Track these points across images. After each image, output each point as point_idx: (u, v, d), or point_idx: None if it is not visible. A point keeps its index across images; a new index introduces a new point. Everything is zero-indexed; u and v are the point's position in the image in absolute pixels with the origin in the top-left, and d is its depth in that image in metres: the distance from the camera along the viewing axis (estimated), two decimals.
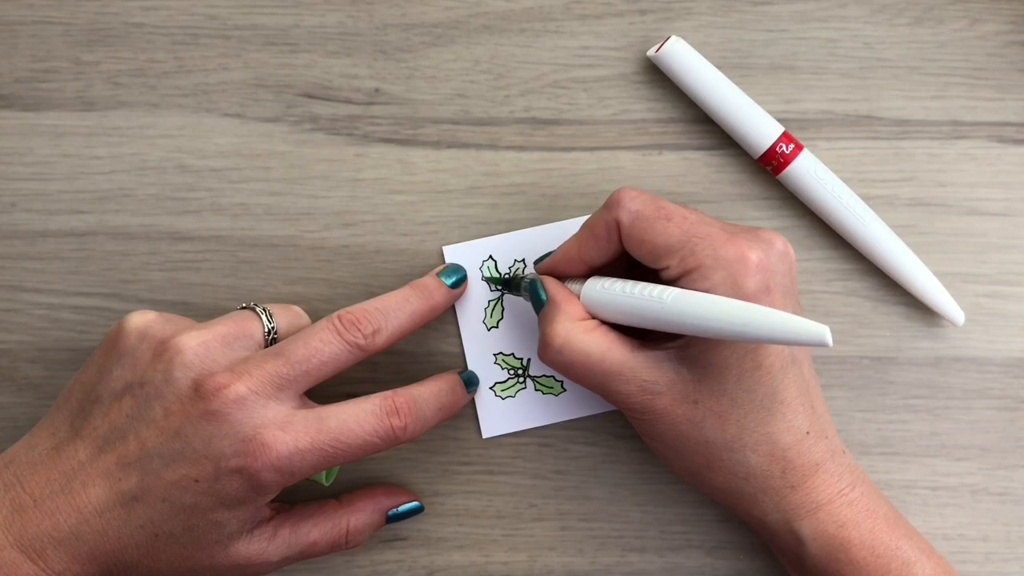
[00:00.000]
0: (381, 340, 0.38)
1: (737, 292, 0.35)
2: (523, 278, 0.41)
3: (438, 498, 0.43)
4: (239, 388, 0.35)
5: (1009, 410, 0.43)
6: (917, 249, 0.42)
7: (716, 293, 0.35)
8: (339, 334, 0.37)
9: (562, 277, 0.40)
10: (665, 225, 0.36)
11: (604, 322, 0.37)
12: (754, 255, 0.35)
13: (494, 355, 0.43)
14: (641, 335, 0.38)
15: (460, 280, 0.42)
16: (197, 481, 0.35)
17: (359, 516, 0.41)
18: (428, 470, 0.43)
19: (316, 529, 0.39)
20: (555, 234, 0.43)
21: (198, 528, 0.36)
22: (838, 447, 0.38)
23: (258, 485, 0.36)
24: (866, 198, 0.42)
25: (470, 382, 0.42)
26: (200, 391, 0.35)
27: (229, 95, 0.43)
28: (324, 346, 0.37)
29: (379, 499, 0.42)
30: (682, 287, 0.35)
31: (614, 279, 0.37)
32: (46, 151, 0.43)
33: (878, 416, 0.43)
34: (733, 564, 0.43)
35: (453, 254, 0.43)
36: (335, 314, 0.38)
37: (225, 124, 0.43)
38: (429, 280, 0.41)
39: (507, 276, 0.43)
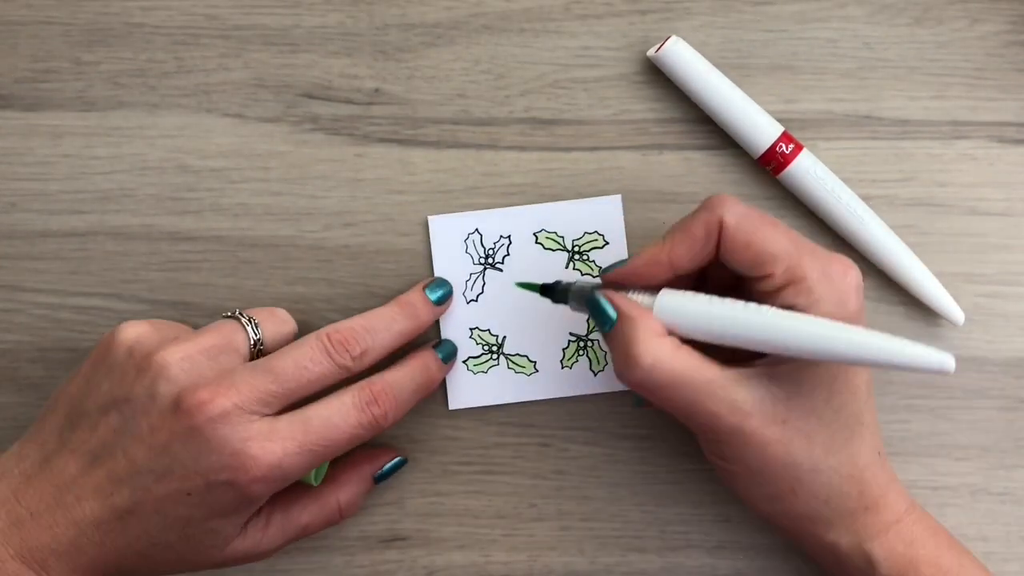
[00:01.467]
0: (368, 360, 0.39)
1: (843, 309, 0.34)
2: (573, 287, 0.39)
3: (438, 498, 0.43)
4: (223, 403, 0.35)
5: (1009, 410, 0.43)
6: (917, 249, 0.42)
7: (821, 307, 0.34)
8: (329, 355, 0.38)
9: (630, 287, 0.37)
10: (773, 230, 0.35)
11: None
12: (854, 275, 0.35)
13: (470, 329, 0.43)
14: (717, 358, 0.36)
15: (445, 295, 0.42)
16: (189, 495, 0.35)
17: (347, 489, 0.41)
18: (428, 470, 0.43)
19: (306, 512, 0.40)
20: (543, 214, 0.43)
21: (194, 536, 0.36)
22: (891, 467, 0.38)
23: (249, 496, 0.36)
24: (866, 198, 0.42)
25: (448, 355, 0.42)
26: (183, 406, 0.35)
27: (229, 95, 0.43)
28: (314, 366, 0.37)
29: (361, 467, 0.42)
30: (782, 299, 0.34)
31: (694, 292, 0.35)
32: (46, 151, 0.43)
33: (878, 416, 0.43)
34: (733, 564, 0.43)
35: (439, 224, 0.43)
36: (324, 331, 0.38)
37: (225, 124, 0.43)
38: (415, 297, 0.41)
39: (551, 284, 0.39)
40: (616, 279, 0.37)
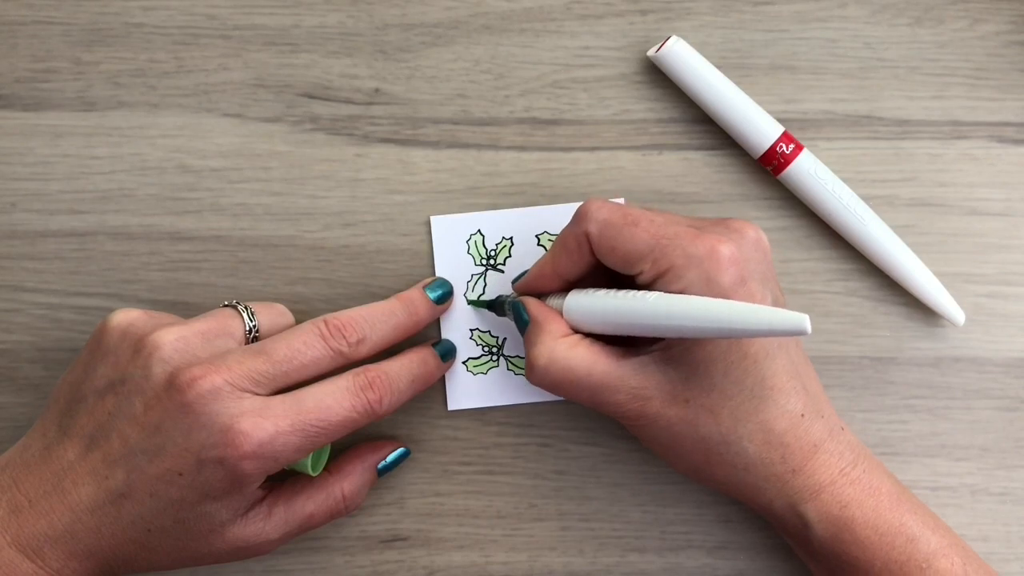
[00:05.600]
0: (364, 350, 0.38)
1: (712, 287, 0.35)
2: (506, 299, 0.41)
3: (438, 498, 0.43)
4: (214, 379, 0.35)
5: (1009, 410, 0.43)
6: (917, 249, 0.42)
7: (691, 291, 0.35)
8: (324, 339, 0.38)
9: (542, 294, 0.40)
10: (632, 231, 0.36)
11: (589, 334, 0.37)
12: (725, 249, 0.35)
13: (470, 330, 0.43)
14: (626, 344, 0.37)
15: (445, 295, 0.42)
16: (181, 475, 0.35)
17: (351, 479, 0.41)
18: (428, 470, 0.43)
19: (311, 502, 0.40)
20: (545, 216, 0.43)
21: (188, 520, 0.36)
22: (836, 425, 0.37)
23: (240, 475, 0.35)
24: (866, 198, 0.42)
25: (446, 353, 0.42)
26: (175, 384, 0.35)
27: (229, 95, 0.43)
28: (307, 349, 0.37)
29: (365, 457, 0.42)
30: (658, 290, 0.35)
31: (595, 289, 0.37)
32: (46, 151, 0.43)
33: (878, 416, 0.43)
34: (733, 564, 0.43)
35: (441, 224, 0.43)
36: (322, 317, 0.38)
37: (225, 124, 0.43)
38: (415, 294, 0.41)
39: (493, 300, 0.42)
40: (519, 290, 0.41)
